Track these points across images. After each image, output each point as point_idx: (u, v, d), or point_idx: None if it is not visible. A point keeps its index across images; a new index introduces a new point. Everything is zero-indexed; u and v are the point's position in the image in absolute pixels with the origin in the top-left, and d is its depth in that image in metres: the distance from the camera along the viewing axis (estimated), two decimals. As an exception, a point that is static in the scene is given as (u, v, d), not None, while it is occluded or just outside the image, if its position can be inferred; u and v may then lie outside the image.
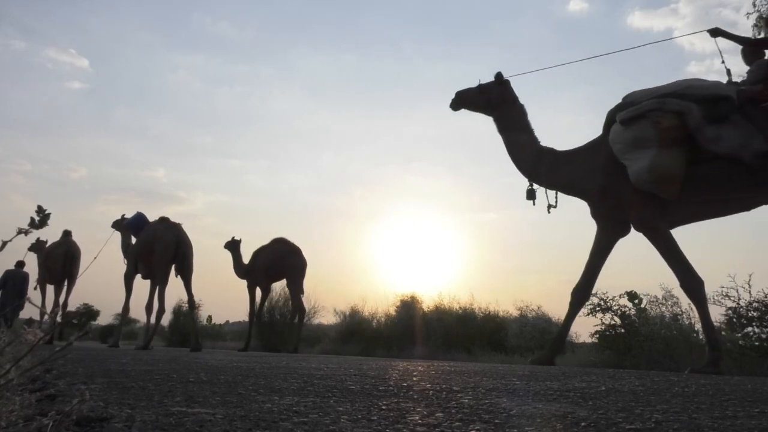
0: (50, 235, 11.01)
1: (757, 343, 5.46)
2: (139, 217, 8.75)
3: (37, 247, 10.42)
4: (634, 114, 4.32)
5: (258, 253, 9.82)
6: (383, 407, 1.65)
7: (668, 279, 9.42)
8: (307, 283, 10.01)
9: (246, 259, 9.97)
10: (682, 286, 4.39)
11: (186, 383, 2.26)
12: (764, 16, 9.54)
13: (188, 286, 8.49)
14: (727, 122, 4.12)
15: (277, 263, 9.46)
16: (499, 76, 5.17)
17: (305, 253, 9.78)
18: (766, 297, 5.63)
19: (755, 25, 9.66)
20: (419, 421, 1.41)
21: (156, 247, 8.20)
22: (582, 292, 4.87)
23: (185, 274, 8.45)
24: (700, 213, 4.60)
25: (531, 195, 4.99)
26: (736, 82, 4.48)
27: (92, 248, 9.42)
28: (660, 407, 1.73)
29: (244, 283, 10.03)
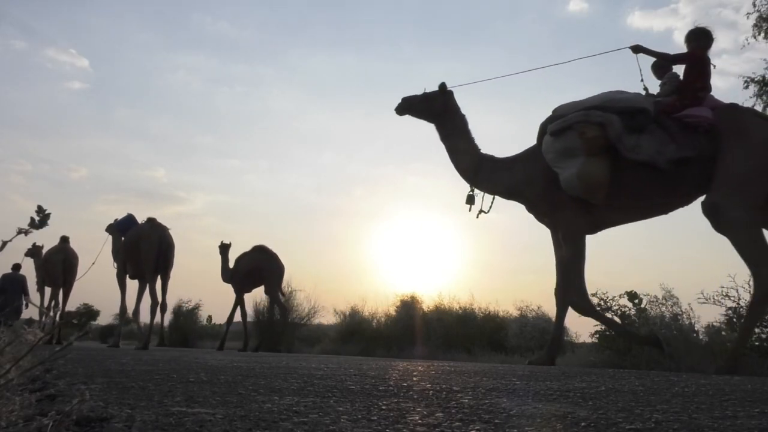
0: (50, 235, 11.05)
1: (757, 343, 5.46)
2: (129, 218, 8.95)
3: (33, 252, 10.59)
4: (562, 126, 4.66)
5: (240, 260, 10.04)
6: (383, 407, 1.65)
7: (668, 279, 9.43)
8: (308, 283, 10.12)
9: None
10: (559, 294, 4.89)
11: (186, 383, 2.26)
12: (764, 16, 9.55)
13: (164, 287, 8.75)
14: (645, 132, 4.45)
15: (255, 270, 9.76)
16: (442, 86, 5.40)
17: (306, 254, 9.91)
18: (766, 297, 5.61)
19: (755, 25, 9.66)
20: (419, 421, 1.41)
21: (142, 246, 8.41)
22: (583, 297, 5.01)
23: (164, 274, 8.70)
24: (624, 216, 4.95)
25: (470, 200, 5.26)
26: (652, 95, 4.80)
27: (92, 248, 9.54)
28: (660, 407, 1.73)
29: None
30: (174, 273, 8.94)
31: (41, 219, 1.15)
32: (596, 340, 6.82)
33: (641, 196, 4.61)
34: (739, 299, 5.71)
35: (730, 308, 5.76)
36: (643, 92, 4.85)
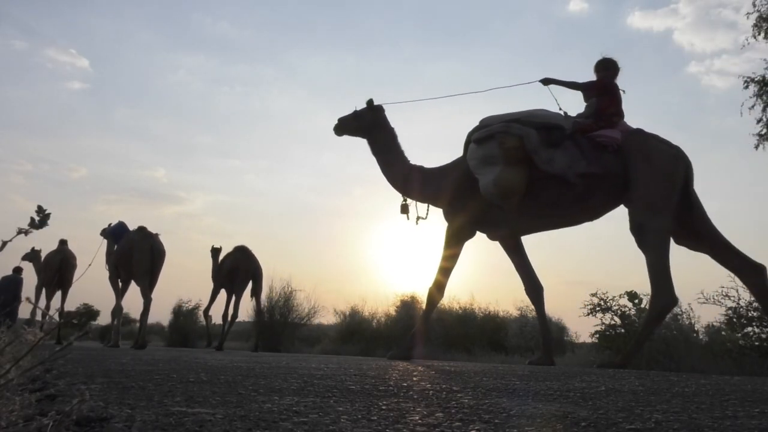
0: (51, 235, 11.08)
1: (757, 343, 5.46)
2: (120, 226, 9.32)
3: (32, 256, 10.81)
4: (485, 135, 4.97)
5: (223, 260, 10.15)
6: (383, 407, 1.65)
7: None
8: (308, 283, 10.13)
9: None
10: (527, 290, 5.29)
11: (186, 383, 2.26)
12: (764, 16, 9.54)
13: (150, 290, 9.06)
14: (560, 147, 4.80)
15: (234, 269, 9.86)
16: (370, 102, 5.66)
17: (306, 254, 9.94)
18: (766, 297, 5.62)
19: (755, 25, 9.66)
20: (419, 421, 1.41)
21: (134, 255, 8.83)
22: (533, 288, 5.28)
23: (151, 279, 9.05)
24: (538, 225, 5.28)
25: (404, 209, 5.55)
26: (571, 116, 5.12)
27: (92, 248, 9.65)
28: (660, 407, 1.73)
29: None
30: (174, 273, 9.22)
31: (41, 219, 1.15)
32: (596, 340, 6.83)
33: (553, 207, 4.93)
34: (739, 299, 5.72)
35: (730, 308, 5.77)
36: (563, 113, 5.16)
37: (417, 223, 5.48)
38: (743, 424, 1.42)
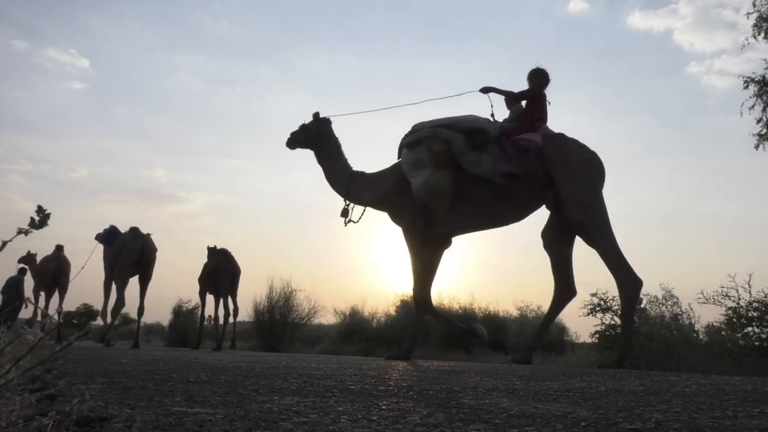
0: (50, 235, 11.14)
1: (757, 343, 5.46)
2: (112, 230, 9.60)
3: (28, 259, 11.16)
4: (414, 139, 5.28)
5: (206, 264, 10.38)
6: (383, 407, 1.65)
7: (668, 279, 9.42)
8: (308, 283, 10.14)
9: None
10: (414, 297, 5.51)
11: (186, 383, 2.26)
12: (764, 16, 9.54)
13: (143, 292, 9.40)
14: (485, 150, 5.08)
15: (214, 270, 10.14)
16: (316, 115, 6.00)
17: (306, 254, 9.99)
18: (766, 297, 5.62)
19: (755, 25, 9.65)
20: (419, 421, 1.41)
21: (123, 254, 9.14)
22: (423, 296, 5.49)
23: (143, 279, 9.35)
24: (469, 225, 5.48)
25: (345, 213, 5.79)
26: (498, 121, 5.42)
27: (91, 249, 9.85)
28: (660, 407, 1.73)
29: (244, 283, 10.24)
30: (174, 273, 9.34)
31: (41, 219, 1.15)
32: (596, 340, 6.82)
33: (481, 207, 5.19)
34: (739, 299, 5.72)
35: (730, 308, 5.77)
36: (492, 119, 5.45)
37: (345, 225, 5.78)
38: (743, 424, 1.42)
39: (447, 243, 5.58)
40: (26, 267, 11.17)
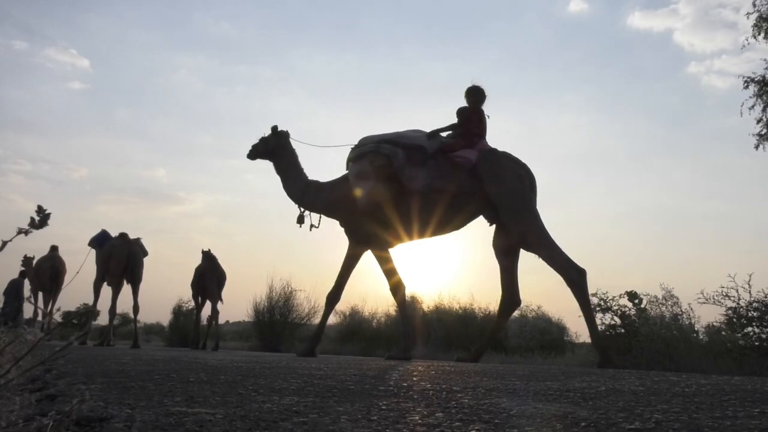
0: (51, 235, 11.20)
1: (757, 343, 5.46)
2: (102, 234, 10.06)
3: (26, 262, 11.50)
4: (358, 153, 5.69)
5: (196, 268, 10.70)
6: (383, 407, 1.65)
7: (668, 279, 9.42)
8: (308, 283, 10.16)
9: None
10: (329, 294, 5.95)
11: (186, 383, 2.26)
12: (764, 15, 9.54)
13: (135, 294, 9.80)
14: (423, 166, 5.47)
15: (201, 275, 10.52)
16: (274, 128, 6.42)
17: (306, 254, 10.08)
18: (766, 297, 5.62)
19: (755, 25, 9.65)
20: (419, 421, 1.41)
21: (111, 261, 9.58)
22: (338, 294, 5.95)
23: (133, 282, 9.76)
24: (411, 235, 5.80)
25: (300, 219, 6.19)
26: (441, 136, 5.75)
27: (90, 249, 10.13)
28: (660, 407, 1.72)
29: (243, 283, 10.29)
30: (174, 273, 9.65)
31: (41, 219, 1.15)
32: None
33: (420, 218, 5.57)
34: (739, 299, 5.71)
35: (730, 308, 5.76)
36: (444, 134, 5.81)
37: (310, 230, 6.17)
38: (743, 424, 1.42)
39: (387, 249, 5.99)
40: (25, 270, 11.46)
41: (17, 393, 1.30)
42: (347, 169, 5.90)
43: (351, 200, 5.69)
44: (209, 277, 10.37)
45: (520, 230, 5.31)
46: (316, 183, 6.22)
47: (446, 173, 5.45)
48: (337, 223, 6.06)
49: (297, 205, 6.19)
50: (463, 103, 5.80)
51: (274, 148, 6.35)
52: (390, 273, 5.93)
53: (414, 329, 6.17)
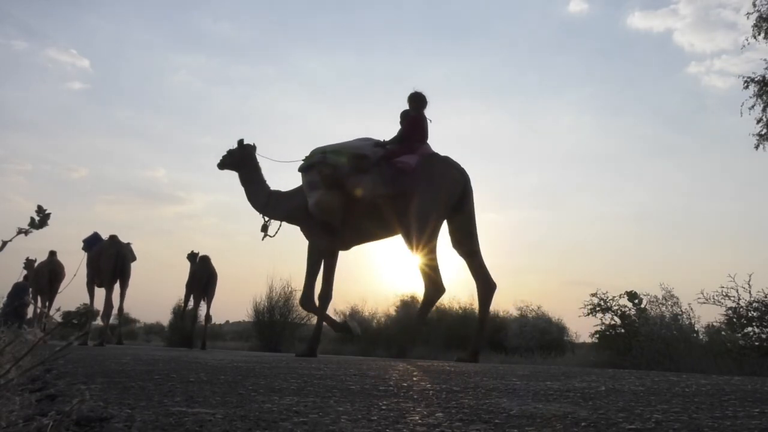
0: (52, 235, 11.29)
1: (757, 343, 5.46)
2: (94, 236, 10.47)
3: (27, 265, 12.18)
4: (308, 164, 6.07)
5: (191, 269, 11.17)
6: (383, 407, 1.65)
7: (668, 279, 9.41)
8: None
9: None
10: (300, 299, 6.41)
11: (186, 383, 2.26)
12: (764, 15, 9.54)
13: (122, 295, 10.27)
14: (368, 173, 5.78)
15: (194, 276, 11.04)
16: (240, 141, 6.83)
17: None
18: (766, 297, 5.62)
19: (755, 25, 9.65)
20: (419, 421, 1.41)
21: (101, 261, 9.97)
22: (310, 298, 6.27)
23: (122, 284, 10.20)
24: (361, 238, 6.26)
25: (264, 228, 6.54)
26: (384, 144, 6.10)
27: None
28: (660, 407, 1.73)
29: (244, 283, 10.37)
30: (174, 273, 9.92)
31: (41, 219, 1.15)
32: (596, 340, 6.82)
33: (370, 222, 5.97)
34: (739, 299, 5.72)
35: (730, 308, 5.77)
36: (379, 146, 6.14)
37: (263, 239, 6.57)
38: (743, 424, 1.42)
39: (336, 254, 6.40)
40: (27, 275, 12.06)
41: (17, 393, 1.30)
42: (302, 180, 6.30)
43: (307, 208, 6.09)
44: (199, 278, 10.87)
45: (405, 232, 5.72)
46: (277, 193, 6.61)
47: (389, 179, 5.74)
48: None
49: (261, 215, 6.58)
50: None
51: (240, 160, 6.76)
52: (327, 280, 6.32)
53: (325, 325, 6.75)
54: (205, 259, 11.13)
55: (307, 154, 6.20)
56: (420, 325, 6.25)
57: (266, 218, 6.55)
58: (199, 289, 10.99)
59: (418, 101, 6.14)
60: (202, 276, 10.93)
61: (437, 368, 3.75)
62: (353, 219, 5.96)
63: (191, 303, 11.48)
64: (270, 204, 6.53)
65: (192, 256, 11.25)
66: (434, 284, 5.55)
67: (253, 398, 1.81)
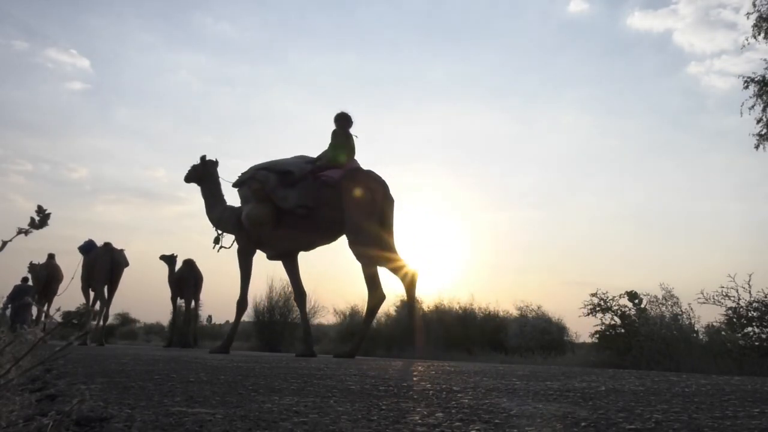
0: (51, 235, 11.39)
1: (757, 343, 5.46)
2: (89, 243, 11.05)
3: (31, 268, 12.61)
4: (240, 180, 6.85)
5: (177, 271, 11.73)
6: (383, 407, 1.65)
7: (668, 279, 9.41)
8: (307, 283, 10.20)
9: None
10: (238, 301, 6.98)
11: (186, 383, 2.26)
12: (764, 15, 9.53)
13: (110, 297, 10.80)
14: (294, 187, 6.40)
15: (180, 278, 11.62)
16: (202, 157, 7.63)
17: (306, 254, 10.16)
18: (766, 297, 5.61)
19: (755, 25, 9.65)
20: (419, 421, 1.41)
21: (96, 266, 10.54)
22: (299, 294, 7.06)
23: (111, 287, 10.75)
24: (294, 246, 6.88)
25: (217, 240, 7.23)
26: (313, 160, 6.73)
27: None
28: (660, 407, 1.73)
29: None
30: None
31: (41, 219, 1.15)
32: (596, 340, 6.82)
33: (298, 232, 6.55)
34: (739, 299, 5.71)
35: (730, 308, 5.76)
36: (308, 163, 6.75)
37: (218, 252, 7.19)
38: (743, 424, 1.42)
39: (293, 256, 7.00)
40: (27, 276, 12.51)
41: (17, 393, 1.30)
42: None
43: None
44: (185, 280, 11.41)
45: (351, 239, 6.31)
46: (230, 207, 7.30)
47: (313, 192, 6.34)
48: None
49: (214, 228, 7.27)
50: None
51: (202, 175, 7.53)
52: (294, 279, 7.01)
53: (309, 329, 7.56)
54: (191, 263, 11.64)
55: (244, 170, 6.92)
56: (366, 330, 6.90)
57: (219, 231, 7.24)
58: (189, 292, 11.47)
59: (343, 120, 6.73)
60: (189, 279, 11.43)
61: (437, 368, 3.75)
62: (281, 230, 6.55)
63: (182, 304, 11.95)
64: (223, 218, 7.20)
65: (169, 258, 11.71)
66: (375, 290, 6.24)
67: (253, 398, 1.81)
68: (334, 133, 6.72)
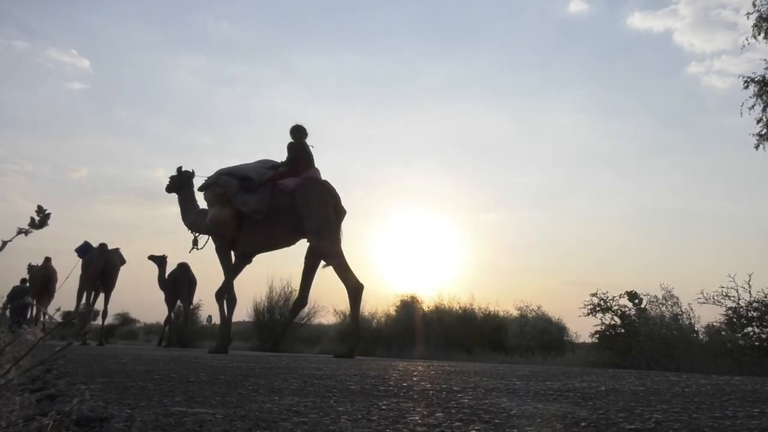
0: (51, 236, 11.45)
1: (757, 343, 5.46)
2: (85, 245, 11.20)
3: (29, 270, 12.81)
4: (205, 184, 7.32)
5: (170, 274, 11.93)
6: (383, 407, 1.65)
7: (668, 279, 9.40)
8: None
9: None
10: (218, 292, 7.31)
11: (186, 383, 2.26)
12: (764, 16, 9.53)
13: (107, 300, 11.02)
14: (255, 193, 6.87)
15: (175, 281, 11.83)
16: (179, 168, 8.22)
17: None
18: (766, 297, 5.61)
19: (755, 25, 9.64)
20: (419, 421, 1.41)
21: (89, 269, 10.66)
22: (228, 292, 7.38)
23: (106, 289, 10.95)
24: (257, 248, 7.28)
25: (195, 243, 7.75)
26: (276, 164, 7.25)
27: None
28: (660, 407, 1.72)
29: (244, 283, 10.43)
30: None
31: (41, 219, 1.15)
32: (596, 340, 6.82)
33: (258, 235, 6.98)
34: (739, 299, 5.71)
35: (730, 308, 5.76)
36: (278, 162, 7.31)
37: (190, 252, 7.74)
38: (743, 424, 1.42)
39: (250, 259, 7.42)
40: (25, 278, 12.79)
41: (17, 393, 1.30)
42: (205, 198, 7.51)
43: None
44: (180, 283, 11.66)
45: (317, 245, 6.78)
46: (203, 210, 7.75)
47: (269, 198, 6.78)
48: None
49: (190, 231, 7.75)
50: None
51: (179, 185, 8.12)
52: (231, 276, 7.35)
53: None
54: (185, 266, 11.89)
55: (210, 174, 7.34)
56: (358, 325, 7.44)
57: (195, 233, 7.72)
58: (184, 294, 11.76)
59: (299, 132, 7.17)
60: (183, 281, 11.71)
61: (437, 368, 3.75)
62: (246, 232, 6.97)
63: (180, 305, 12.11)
64: (197, 222, 7.70)
65: (159, 259, 11.85)
66: (351, 282, 6.66)
67: (253, 398, 1.81)
68: (290, 146, 7.16)
